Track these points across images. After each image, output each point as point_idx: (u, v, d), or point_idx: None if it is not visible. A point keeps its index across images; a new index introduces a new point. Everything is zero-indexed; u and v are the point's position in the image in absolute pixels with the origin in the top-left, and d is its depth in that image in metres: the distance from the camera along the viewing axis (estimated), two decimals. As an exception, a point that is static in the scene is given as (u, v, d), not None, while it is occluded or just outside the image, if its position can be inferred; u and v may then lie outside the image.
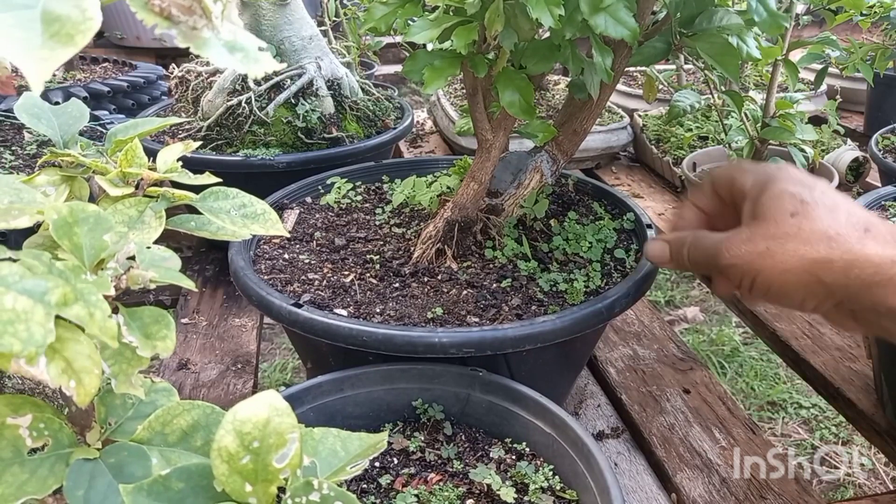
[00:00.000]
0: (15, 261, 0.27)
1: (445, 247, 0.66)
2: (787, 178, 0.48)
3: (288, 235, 0.73)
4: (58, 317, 0.25)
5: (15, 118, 1.08)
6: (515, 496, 0.48)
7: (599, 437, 0.71)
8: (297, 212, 0.79)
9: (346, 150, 0.96)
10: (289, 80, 0.98)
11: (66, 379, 0.26)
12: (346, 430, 0.36)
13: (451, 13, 0.54)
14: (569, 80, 0.67)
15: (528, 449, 0.54)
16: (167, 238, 0.40)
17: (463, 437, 0.55)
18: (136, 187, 0.44)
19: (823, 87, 1.56)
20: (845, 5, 0.92)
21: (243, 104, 0.95)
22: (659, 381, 0.78)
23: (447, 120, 1.45)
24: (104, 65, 1.64)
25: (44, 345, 0.24)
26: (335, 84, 1.03)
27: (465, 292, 0.62)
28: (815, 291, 0.45)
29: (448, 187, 0.75)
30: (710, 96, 0.99)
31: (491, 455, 0.53)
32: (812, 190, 0.47)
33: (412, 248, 0.69)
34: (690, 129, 1.30)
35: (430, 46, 0.60)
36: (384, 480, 0.51)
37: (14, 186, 0.34)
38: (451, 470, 0.52)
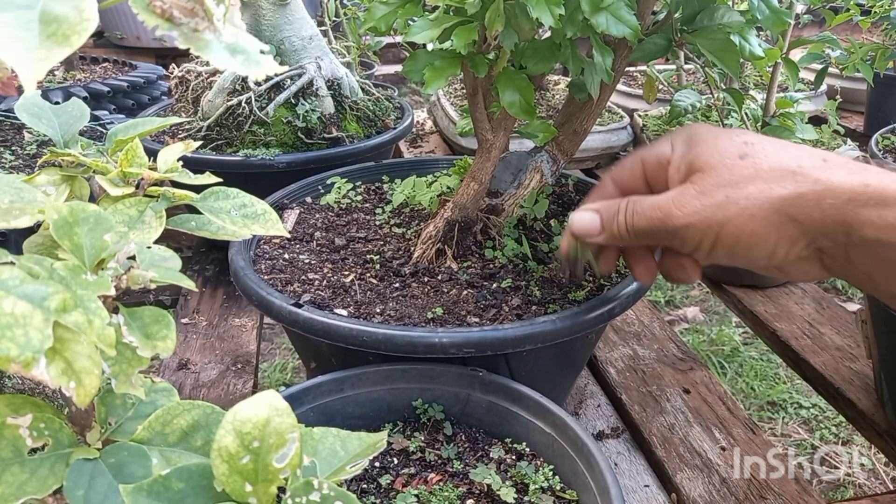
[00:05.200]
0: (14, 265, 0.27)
1: (445, 247, 0.66)
2: (713, 130, 0.44)
3: (288, 235, 0.73)
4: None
5: (15, 118, 1.08)
6: (515, 496, 0.48)
7: (599, 437, 0.71)
8: (297, 212, 0.79)
9: (346, 150, 0.96)
10: (289, 80, 0.98)
11: (65, 380, 0.25)
12: (346, 430, 0.36)
13: (451, 13, 0.54)
14: (569, 80, 0.67)
15: (528, 449, 0.54)
16: (167, 238, 0.40)
17: (463, 437, 0.55)
18: (137, 187, 0.44)
19: (823, 87, 1.56)
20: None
21: (243, 104, 0.95)
22: (659, 381, 0.78)
23: (447, 120, 1.45)
24: (104, 65, 1.64)
25: (41, 350, 0.24)
26: (335, 84, 1.03)
27: (465, 292, 0.62)
28: (787, 233, 0.40)
29: (448, 187, 0.75)
30: (711, 96, 0.99)
31: (491, 455, 0.53)
32: (746, 133, 0.43)
33: (412, 248, 0.69)
34: (690, 129, 1.30)
35: (430, 46, 0.60)
36: (384, 480, 0.51)
37: (15, 186, 0.34)
38: (451, 470, 0.52)
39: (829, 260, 0.41)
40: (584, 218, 0.48)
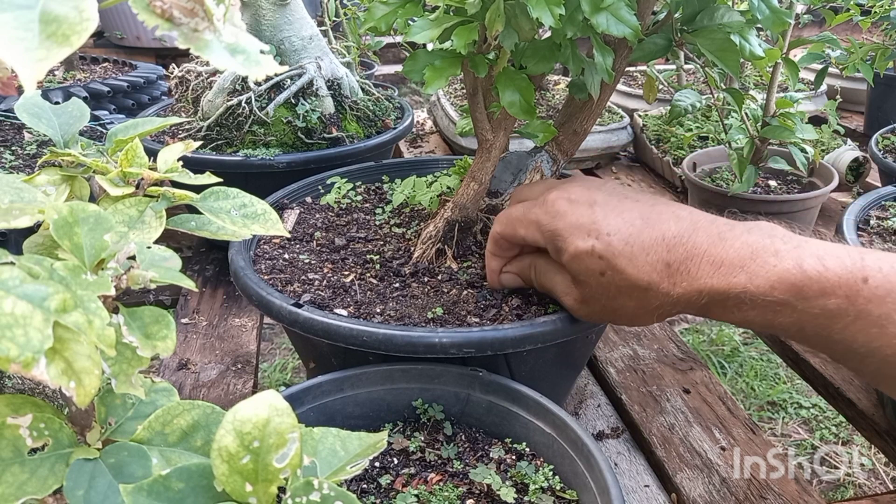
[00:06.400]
0: (14, 265, 0.27)
1: (445, 247, 0.66)
2: (569, 229, 0.52)
3: (288, 235, 0.73)
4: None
5: (15, 118, 1.09)
6: (515, 496, 0.48)
7: (599, 437, 0.71)
8: (297, 212, 0.79)
9: (346, 150, 0.96)
10: (289, 80, 0.98)
11: (65, 380, 0.25)
12: (346, 429, 0.36)
13: (451, 13, 0.54)
14: (569, 80, 0.67)
15: (528, 449, 0.54)
16: (167, 238, 0.40)
17: (463, 437, 0.55)
18: (137, 187, 0.44)
19: (823, 87, 1.56)
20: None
21: (243, 104, 0.95)
22: (659, 381, 0.78)
23: (447, 120, 1.45)
24: (104, 65, 1.64)
25: (41, 350, 0.24)
26: (335, 84, 1.03)
27: (465, 292, 0.62)
28: (658, 317, 0.53)
29: (448, 187, 0.75)
30: (711, 96, 0.99)
31: (491, 455, 0.53)
32: (599, 233, 0.51)
33: (412, 248, 0.69)
34: (690, 129, 1.30)
35: (430, 46, 0.60)
36: (384, 480, 0.51)
37: (15, 186, 0.34)
38: (451, 470, 0.52)
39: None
40: (509, 278, 0.61)
